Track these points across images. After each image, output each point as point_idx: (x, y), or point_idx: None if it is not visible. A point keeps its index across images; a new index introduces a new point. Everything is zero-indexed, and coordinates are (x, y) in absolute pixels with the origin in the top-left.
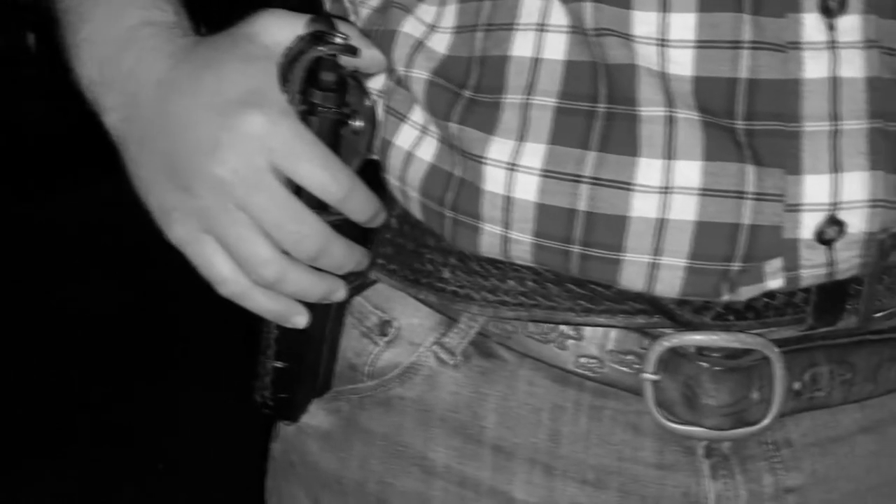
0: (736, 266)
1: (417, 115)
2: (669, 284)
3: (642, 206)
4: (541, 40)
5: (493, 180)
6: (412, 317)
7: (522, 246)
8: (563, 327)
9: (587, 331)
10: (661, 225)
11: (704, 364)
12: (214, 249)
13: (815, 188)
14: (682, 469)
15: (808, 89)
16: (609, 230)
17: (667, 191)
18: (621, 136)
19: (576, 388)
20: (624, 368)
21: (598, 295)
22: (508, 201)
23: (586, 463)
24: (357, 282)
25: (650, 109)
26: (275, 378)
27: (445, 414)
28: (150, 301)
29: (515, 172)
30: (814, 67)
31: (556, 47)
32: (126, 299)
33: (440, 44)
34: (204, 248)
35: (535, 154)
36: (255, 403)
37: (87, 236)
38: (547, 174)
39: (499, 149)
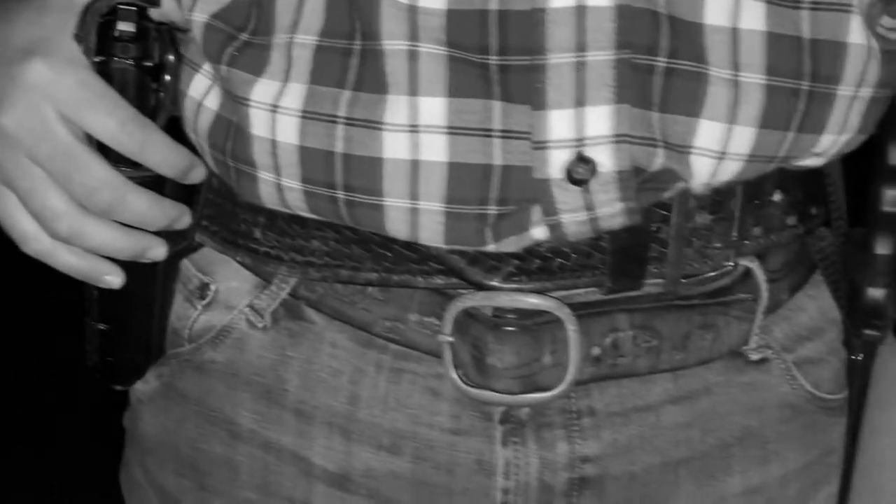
0: (492, 210)
1: (208, 63)
2: (431, 231)
3: (394, 147)
4: None
5: (259, 124)
6: (231, 280)
7: (295, 193)
8: (370, 289)
9: (393, 293)
10: (413, 167)
11: (489, 325)
12: (16, 205)
13: (559, 124)
14: (476, 435)
15: (552, 19)
16: (366, 173)
17: (414, 129)
18: (372, 74)
19: (378, 350)
20: (426, 331)
21: (399, 256)
22: (274, 145)
23: (382, 427)
24: (182, 243)
25: (392, 43)
26: (100, 341)
27: (251, 377)
28: None
29: (277, 114)
30: None
31: None
32: None
33: None
34: (6, 204)
35: (295, 95)
36: (90, 368)
37: None
38: (306, 115)
39: (263, 90)
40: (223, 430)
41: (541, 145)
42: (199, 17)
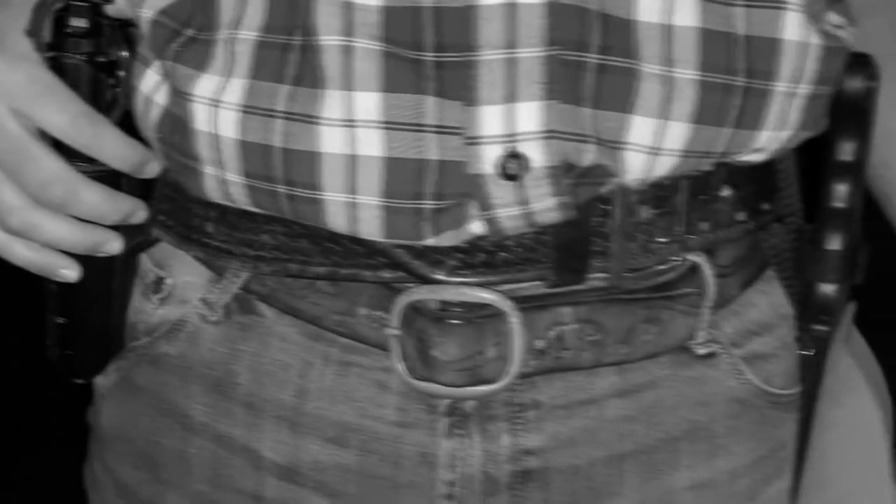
0: (429, 204)
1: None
2: (369, 225)
3: (331, 142)
4: None
5: (201, 118)
6: (186, 274)
7: (238, 188)
8: (319, 283)
9: (342, 287)
10: (351, 161)
11: (433, 318)
12: None
13: (491, 120)
14: (420, 427)
15: (484, 16)
16: (305, 167)
17: (350, 124)
18: (310, 69)
19: (327, 344)
20: (374, 325)
21: (348, 250)
22: (216, 139)
23: (329, 420)
24: (139, 238)
25: (328, 39)
26: (59, 335)
27: (203, 371)
28: None
29: (218, 109)
30: None
31: None
32: None
33: None
34: None
35: (236, 90)
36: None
37: None
38: (245, 109)
39: (205, 85)
40: (177, 423)
41: (473, 141)
42: (147, 14)
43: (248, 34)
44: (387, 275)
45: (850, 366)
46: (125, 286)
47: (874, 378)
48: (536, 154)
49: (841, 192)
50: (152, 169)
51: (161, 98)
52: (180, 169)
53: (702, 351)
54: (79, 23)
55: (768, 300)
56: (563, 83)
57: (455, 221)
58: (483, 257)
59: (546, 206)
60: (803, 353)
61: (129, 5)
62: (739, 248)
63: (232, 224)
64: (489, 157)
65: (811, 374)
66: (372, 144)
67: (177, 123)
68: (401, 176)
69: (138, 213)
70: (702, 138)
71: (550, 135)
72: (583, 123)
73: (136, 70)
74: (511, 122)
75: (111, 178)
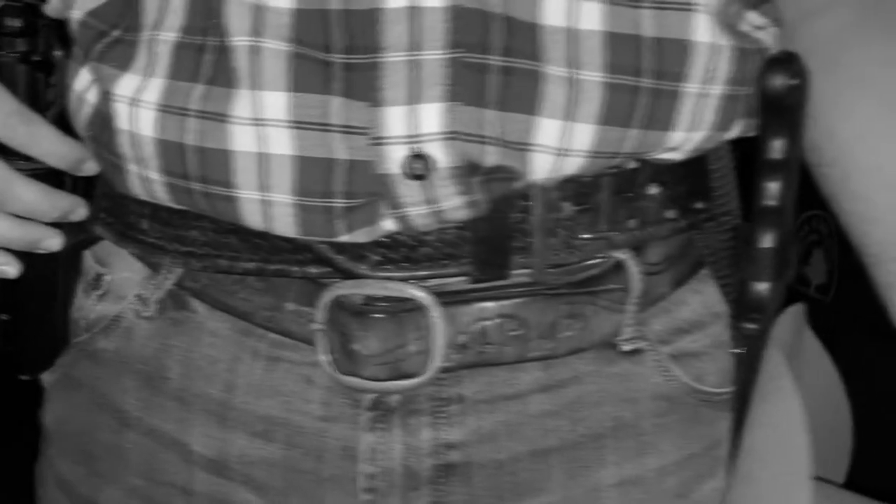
0: (339, 203)
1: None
2: (283, 222)
3: (242, 140)
4: None
5: (123, 117)
6: (125, 270)
7: (158, 185)
8: (249, 279)
9: (270, 282)
10: (261, 159)
11: (354, 312)
12: None
13: (395, 120)
14: (343, 421)
15: (388, 18)
16: (218, 165)
17: (260, 123)
18: (223, 69)
19: (256, 339)
20: (301, 319)
21: (275, 246)
22: (135, 138)
23: (256, 414)
24: (81, 235)
25: (239, 39)
26: (2, 331)
27: (137, 366)
28: None
29: (137, 108)
30: None
31: None
32: None
33: None
34: None
35: (154, 89)
36: None
37: None
38: (162, 108)
39: (127, 85)
40: (112, 418)
41: (379, 141)
42: (76, 15)
43: (168, 35)
44: (313, 270)
45: (779, 364)
46: (69, 283)
47: (826, 379)
48: (440, 154)
49: (772, 191)
50: (90, 167)
51: (92, 97)
52: (109, 167)
53: (627, 347)
54: (13, 22)
55: (701, 299)
56: (466, 85)
57: (367, 219)
58: (405, 252)
59: (454, 204)
60: (735, 351)
61: (62, 6)
62: (671, 246)
63: (164, 220)
64: (395, 158)
65: (743, 372)
66: (281, 143)
67: (105, 122)
68: (311, 174)
69: (78, 210)
70: (609, 139)
71: (453, 136)
72: (487, 125)
73: (71, 69)
74: (414, 123)
75: (52, 177)
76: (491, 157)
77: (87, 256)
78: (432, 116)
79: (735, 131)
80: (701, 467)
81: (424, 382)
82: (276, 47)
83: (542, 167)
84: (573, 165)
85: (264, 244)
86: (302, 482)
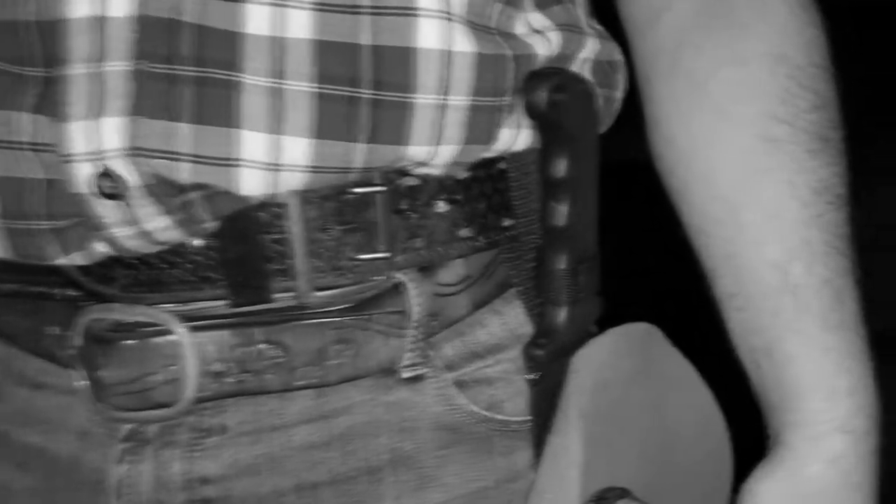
0: (44, 225)
1: None
2: (1, 246)
3: None
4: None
5: None
6: None
7: None
8: (15, 302)
9: (34, 305)
10: None
11: (99, 339)
12: None
13: (78, 136)
14: (97, 451)
15: (73, 29)
16: None
17: None
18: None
19: (22, 363)
20: (63, 343)
21: (35, 268)
22: None
23: (19, 444)
24: None
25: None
26: None
27: None
28: None
29: None
30: (79, 6)
31: None
32: None
33: None
34: None
35: None
36: None
37: None
38: None
39: None
40: None
41: (66, 159)
42: None
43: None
44: (71, 293)
45: (579, 393)
46: None
47: (699, 398)
48: (127, 172)
49: (559, 211)
50: None
51: None
52: None
53: (407, 374)
54: None
55: (501, 320)
56: (152, 98)
57: (78, 241)
58: (154, 275)
59: (160, 224)
60: (528, 377)
61: None
62: (470, 266)
63: None
64: (83, 176)
65: (537, 400)
66: None
67: None
68: (7, 195)
69: None
70: (331, 153)
71: (136, 152)
72: (180, 140)
73: None
74: (97, 138)
75: None
76: (185, 173)
77: None
78: (115, 131)
79: (505, 144)
80: (495, 501)
81: (176, 413)
82: None
83: (251, 183)
84: (292, 181)
85: (25, 266)
86: None
